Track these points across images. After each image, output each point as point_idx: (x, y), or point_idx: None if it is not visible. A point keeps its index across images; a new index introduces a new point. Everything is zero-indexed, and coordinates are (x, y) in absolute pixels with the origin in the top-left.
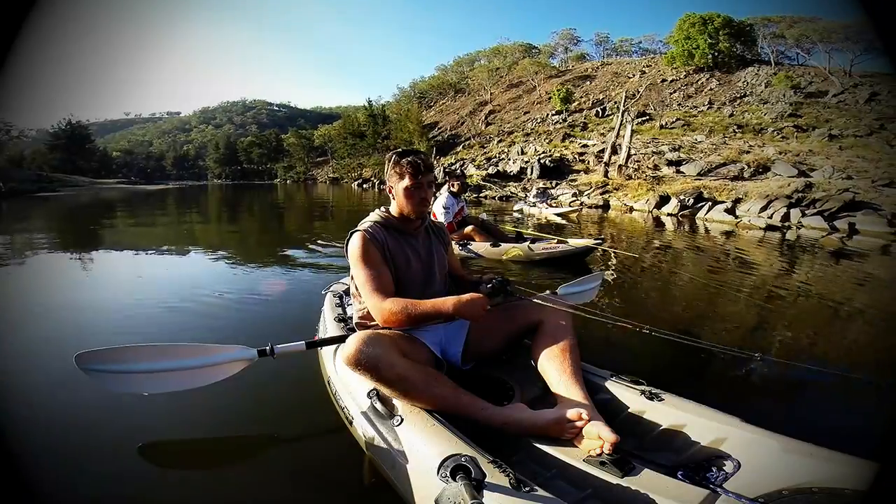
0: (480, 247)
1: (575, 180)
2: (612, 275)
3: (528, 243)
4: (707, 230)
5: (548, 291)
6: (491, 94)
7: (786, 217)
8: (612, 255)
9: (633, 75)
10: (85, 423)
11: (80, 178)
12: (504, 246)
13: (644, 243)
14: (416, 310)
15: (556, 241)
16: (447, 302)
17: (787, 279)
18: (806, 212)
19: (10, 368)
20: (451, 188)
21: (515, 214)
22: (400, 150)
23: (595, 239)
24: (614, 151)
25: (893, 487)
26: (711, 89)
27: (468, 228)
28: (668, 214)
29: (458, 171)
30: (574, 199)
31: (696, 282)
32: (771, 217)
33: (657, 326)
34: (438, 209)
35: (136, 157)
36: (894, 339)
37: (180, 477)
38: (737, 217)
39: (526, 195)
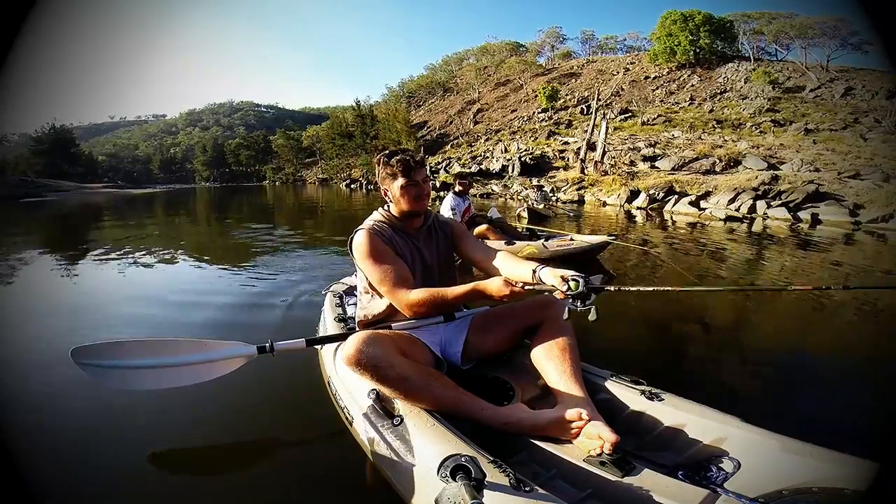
0: (495, 245)
1: (553, 177)
2: (620, 270)
3: (542, 241)
4: (673, 222)
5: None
6: (479, 92)
7: (752, 209)
8: (623, 249)
9: (617, 72)
10: (84, 422)
11: (65, 182)
12: (519, 244)
13: (623, 236)
14: (444, 296)
15: (569, 237)
16: (467, 286)
17: (763, 270)
18: (771, 203)
19: (9, 369)
20: (456, 188)
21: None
22: (387, 150)
23: (609, 235)
24: (591, 148)
25: (893, 487)
26: (693, 85)
27: (482, 227)
28: (638, 208)
29: (449, 171)
30: (551, 195)
31: (675, 273)
32: (738, 209)
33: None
34: (446, 211)
35: (122, 161)
36: (884, 333)
37: (179, 476)
38: (701, 209)
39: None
